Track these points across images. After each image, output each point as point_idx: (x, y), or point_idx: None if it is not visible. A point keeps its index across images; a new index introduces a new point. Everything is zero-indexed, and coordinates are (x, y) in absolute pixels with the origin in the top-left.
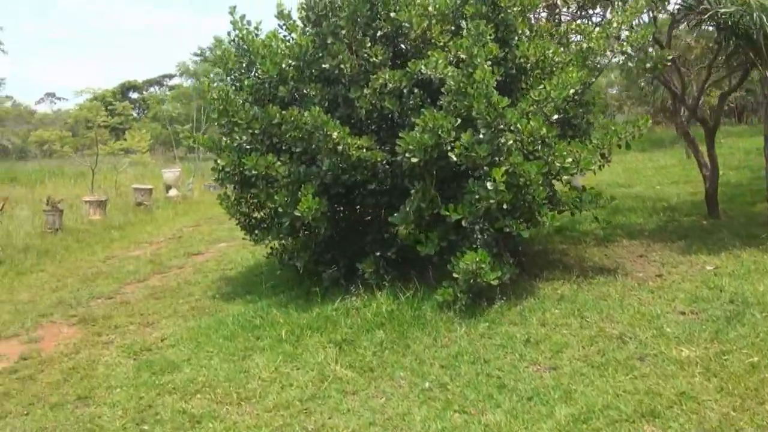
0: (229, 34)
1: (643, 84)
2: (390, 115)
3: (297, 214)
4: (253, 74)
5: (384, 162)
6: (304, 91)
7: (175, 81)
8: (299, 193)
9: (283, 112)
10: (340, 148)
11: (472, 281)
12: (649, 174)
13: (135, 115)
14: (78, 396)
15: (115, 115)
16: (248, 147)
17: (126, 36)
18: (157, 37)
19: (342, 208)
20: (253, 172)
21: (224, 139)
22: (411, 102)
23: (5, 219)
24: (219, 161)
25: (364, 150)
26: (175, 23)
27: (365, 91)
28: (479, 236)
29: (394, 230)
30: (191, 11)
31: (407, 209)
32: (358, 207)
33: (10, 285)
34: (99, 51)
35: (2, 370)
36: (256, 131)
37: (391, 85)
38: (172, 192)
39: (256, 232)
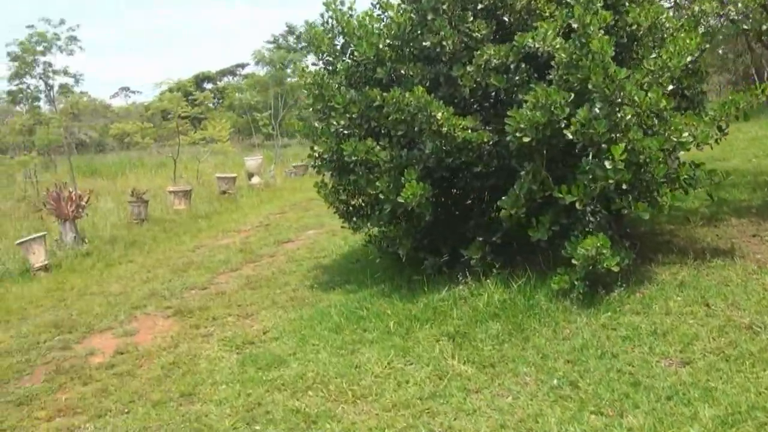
0: (321, 15)
1: (722, 51)
2: (495, 93)
3: (400, 200)
4: (347, 57)
5: (490, 143)
6: (402, 71)
7: (248, 70)
8: (401, 178)
9: (384, 94)
10: (444, 129)
11: (590, 268)
12: (742, 146)
13: (210, 105)
14: (181, 393)
15: (195, 105)
16: (346, 132)
17: (194, 32)
18: (222, 32)
19: (445, 193)
20: (353, 158)
21: (319, 124)
22: (517, 78)
23: (90, 211)
24: (316, 148)
25: (469, 131)
26: (239, 18)
27: (468, 68)
28: (591, 219)
29: (499, 214)
30: (255, 6)
31: (517, 192)
32: (460, 191)
33: (100, 276)
34: (169, 48)
35: (98, 366)
36: (353, 115)
37: (496, 60)
38: (255, 179)
39: (354, 219)
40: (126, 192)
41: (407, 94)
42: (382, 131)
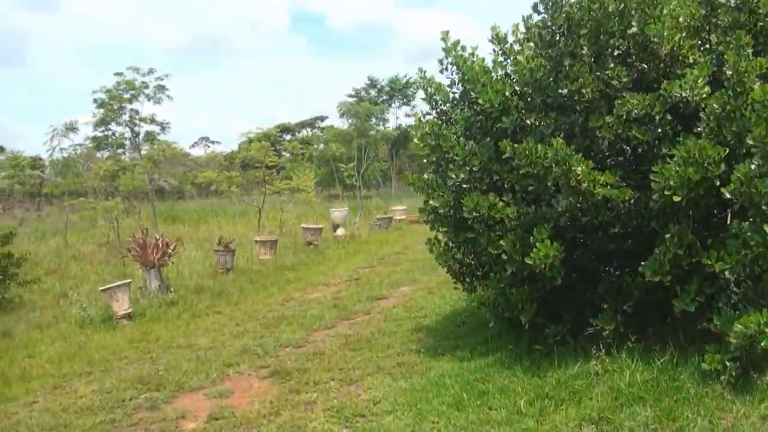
0: (441, 62)
1: None
2: (635, 147)
3: (528, 261)
4: (465, 106)
5: (630, 201)
6: (529, 121)
7: (327, 122)
8: (529, 237)
9: (516, 145)
10: (583, 185)
11: (747, 347)
12: None
13: (287, 155)
14: None
15: (282, 154)
16: (465, 186)
17: (268, 85)
18: (295, 86)
19: (570, 255)
20: (473, 214)
21: (434, 177)
22: (660, 130)
23: (175, 259)
24: (431, 202)
25: (609, 187)
26: (314, 73)
27: (607, 119)
28: (736, 290)
29: (632, 280)
30: (327, 59)
31: (661, 256)
32: (589, 253)
33: (186, 328)
34: (245, 100)
35: None
36: (474, 168)
37: (638, 111)
38: (340, 231)
39: (468, 279)
40: (209, 240)
41: (539, 147)
42: (505, 186)
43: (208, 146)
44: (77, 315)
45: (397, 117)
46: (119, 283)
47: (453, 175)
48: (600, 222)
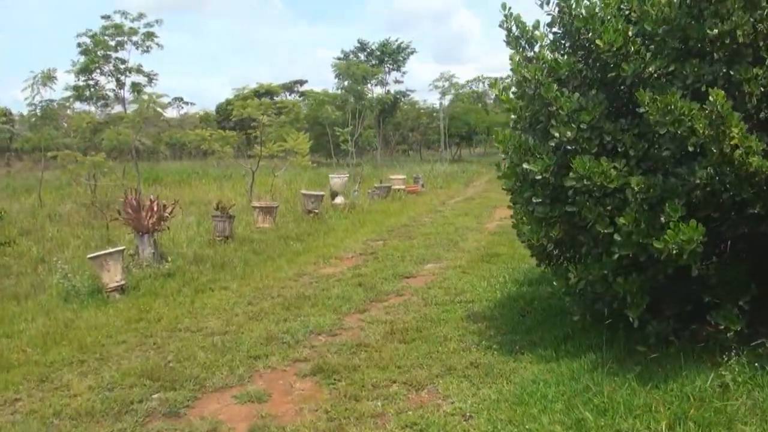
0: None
1: None
2: None
3: (657, 245)
4: (567, 50)
5: None
6: (649, 70)
7: (306, 87)
8: (660, 215)
9: (658, 97)
10: (737, 153)
11: None
12: None
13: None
14: None
15: (281, 114)
16: (569, 148)
17: (242, 48)
18: (268, 51)
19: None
20: (585, 182)
21: (526, 137)
22: None
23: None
24: (527, 166)
25: (757, 157)
26: (283, 36)
27: (756, 70)
28: None
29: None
30: (304, 24)
31: None
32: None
33: (191, 307)
34: (222, 63)
35: None
36: (582, 126)
37: None
38: (339, 199)
39: (559, 263)
40: (195, 204)
41: (688, 103)
42: (619, 149)
43: (182, 107)
44: (60, 285)
45: (387, 83)
46: (111, 250)
47: (557, 134)
48: (742, 199)
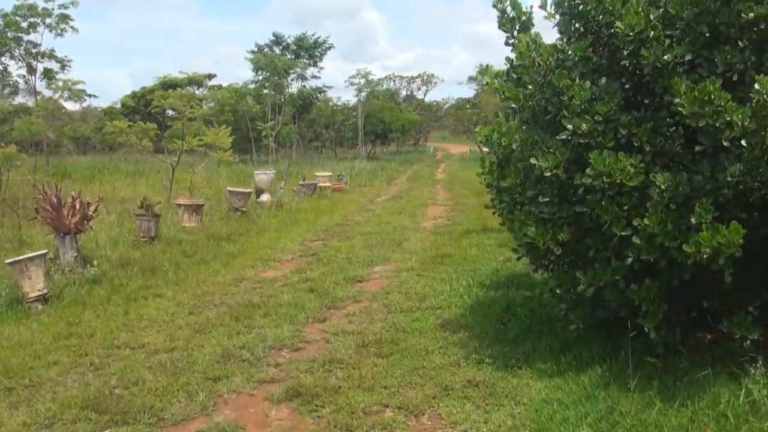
0: None
1: None
2: None
3: (687, 249)
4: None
5: None
6: (666, 57)
7: (215, 81)
8: (688, 215)
9: (694, 86)
10: None
11: None
12: None
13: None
14: None
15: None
16: (581, 142)
17: (145, 41)
18: (172, 45)
19: None
20: (604, 180)
21: (532, 130)
22: None
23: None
24: (536, 161)
25: None
26: (187, 29)
27: None
28: None
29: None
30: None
31: None
32: None
33: (125, 318)
34: (125, 55)
35: None
36: (597, 118)
37: None
38: (265, 197)
39: (556, 266)
40: (111, 201)
41: (715, 90)
42: (635, 144)
43: (84, 99)
44: None
45: (307, 78)
46: (33, 254)
47: (569, 126)
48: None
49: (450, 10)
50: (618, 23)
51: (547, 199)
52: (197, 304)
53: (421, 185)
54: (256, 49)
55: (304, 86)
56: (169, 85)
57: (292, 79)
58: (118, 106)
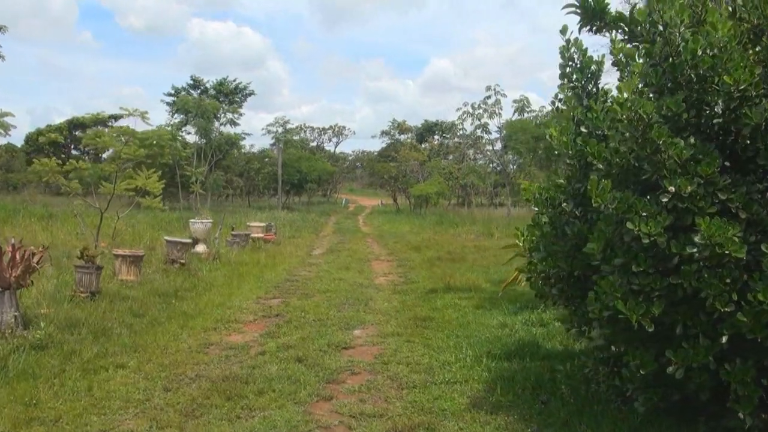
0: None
1: None
2: None
3: None
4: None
5: None
6: None
7: (123, 122)
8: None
9: None
10: None
11: None
12: None
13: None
14: None
15: (146, 147)
16: (681, 206)
17: (48, 78)
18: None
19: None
20: (717, 250)
21: (626, 192)
22: None
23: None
24: (634, 226)
25: None
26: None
27: None
28: None
29: None
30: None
31: None
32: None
33: (90, 396)
34: (20, 91)
35: None
36: (698, 180)
37: None
38: (201, 247)
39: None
40: (39, 248)
41: None
42: (735, 211)
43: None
44: None
45: (237, 123)
46: None
47: (671, 188)
48: None
49: (354, 64)
50: (725, 77)
51: (641, 269)
52: (169, 377)
53: (351, 238)
54: (172, 91)
55: (235, 132)
56: (75, 124)
57: (222, 123)
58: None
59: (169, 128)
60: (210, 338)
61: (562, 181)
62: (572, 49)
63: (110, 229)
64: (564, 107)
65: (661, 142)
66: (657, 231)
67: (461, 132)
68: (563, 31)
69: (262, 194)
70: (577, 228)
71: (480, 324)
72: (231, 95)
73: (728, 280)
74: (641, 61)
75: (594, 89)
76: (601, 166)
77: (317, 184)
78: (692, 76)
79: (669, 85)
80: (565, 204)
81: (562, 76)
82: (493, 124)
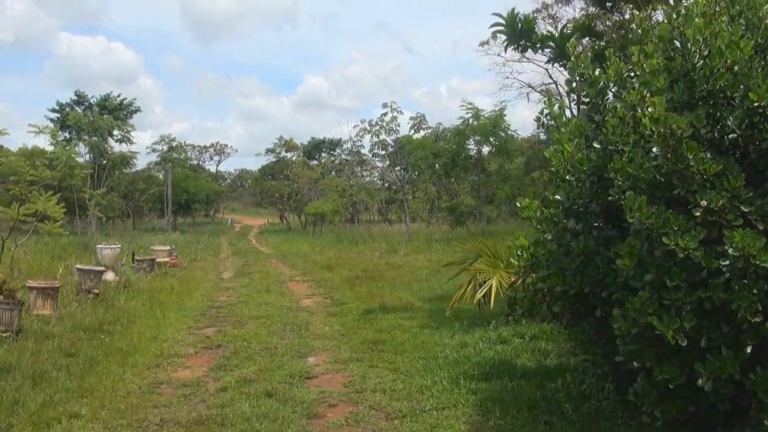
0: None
1: None
2: None
3: None
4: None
5: None
6: None
7: (33, 141)
8: None
9: None
10: None
11: None
12: None
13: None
14: None
15: (53, 168)
16: (711, 220)
17: None
18: None
19: None
20: (750, 261)
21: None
22: None
23: None
24: (670, 241)
25: None
26: None
27: None
28: None
29: None
30: None
31: None
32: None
33: None
34: None
35: None
36: (725, 194)
37: None
38: (110, 275)
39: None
40: None
41: None
42: (752, 222)
43: None
44: None
45: (132, 140)
46: None
47: (703, 202)
48: None
49: (226, 81)
50: (750, 94)
51: (675, 284)
52: (132, 424)
53: (255, 260)
54: (57, 108)
55: (129, 150)
56: None
57: (118, 140)
58: None
59: (54, 147)
60: (157, 376)
61: (558, 197)
62: (581, 65)
63: (8, 258)
64: (552, 123)
65: (691, 157)
66: (693, 245)
67: (357, 149)
68: (572, 46)
69: (145, 216)
70: (582, 244)
71: (437, 344)
72: (116, 111)
73: (755, 291)
74: (662, 77)
75: (603, 105)
76: (621, 181)
77: (205, 204)
78: (710, 91)
79: (688, 100)
80: (566, 221)
81: (570, 90)
82: (390, 140)
